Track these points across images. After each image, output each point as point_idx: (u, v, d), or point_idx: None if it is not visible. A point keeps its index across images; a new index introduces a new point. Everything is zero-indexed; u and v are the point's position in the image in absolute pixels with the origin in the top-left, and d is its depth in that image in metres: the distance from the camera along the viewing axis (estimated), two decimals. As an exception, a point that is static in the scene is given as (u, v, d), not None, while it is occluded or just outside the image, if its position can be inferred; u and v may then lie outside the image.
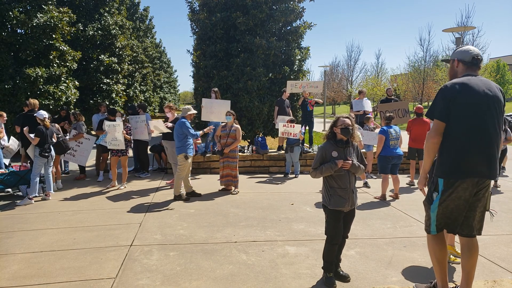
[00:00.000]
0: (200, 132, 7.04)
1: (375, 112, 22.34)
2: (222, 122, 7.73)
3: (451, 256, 4.01)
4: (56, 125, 7.57)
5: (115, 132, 7.39)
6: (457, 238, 3.83)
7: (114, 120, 7.69)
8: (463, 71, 2.98)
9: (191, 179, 7.14)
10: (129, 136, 7.65)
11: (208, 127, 7.35)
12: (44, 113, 6.78)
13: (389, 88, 11.32)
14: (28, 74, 10.89)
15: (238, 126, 7.25)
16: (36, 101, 7.76)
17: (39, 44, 11.51)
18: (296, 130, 8.51)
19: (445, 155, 2.90)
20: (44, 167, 6.74)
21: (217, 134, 7.38)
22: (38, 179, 6.62)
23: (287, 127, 8.58)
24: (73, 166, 9.56)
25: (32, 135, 6.51)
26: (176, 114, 7.79)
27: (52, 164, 6.92)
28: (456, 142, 2.84)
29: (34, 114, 6.93)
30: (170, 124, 7.30)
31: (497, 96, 2.87)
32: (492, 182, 3.01)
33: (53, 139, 6.84)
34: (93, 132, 9.45)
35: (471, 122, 2.81)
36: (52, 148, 6.80)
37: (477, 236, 2.99)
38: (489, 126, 2.81)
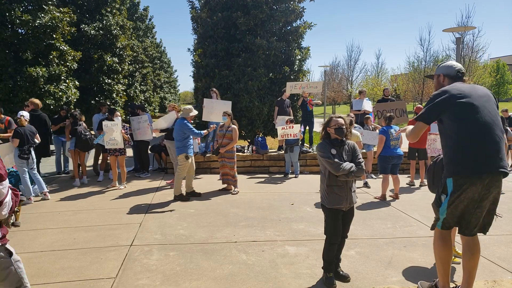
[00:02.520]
0: (204, 132, 7.10)
1: (375, 112, 22.29)
2: (221, 122, 7.77)
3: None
4: (84, 124, 7.82)
5: (113, 132, 7.40)
6: (458, 238, 3.83)
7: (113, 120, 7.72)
8: (448, 84, 3.14)
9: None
10: (127, 136, 7.67)
11: (211, 126, 7.42)
12: (21, 113, 6.70)
13: (386, 88, 11.29)
14: (28, 74, 10.89)
15: (235, 126, 7.24)
16: (38, 101, 7.80)
17: (40, 44, 11.52)
18: (296, 130, 8.50)
19: (452, 155, 2.90)
20: (27, 169, 6.57)
21: (217, 134, 7.43)
22: (27, 178, 6.50)
23: (286, 129, 8.53)
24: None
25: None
26: (178, 115, 7.84)
27: (34, 166, 6.74)
28: (461, 141, 2.87)
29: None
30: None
31: (487, 94, 3.02)
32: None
33: (35, 139, 6.71)
34: (93, 132, 9.47)
35: (471, 119, 2.86)
36: (31, 150, 6.56)
37: (478, 236, 2.99)
38: (489, 120, 2.86)
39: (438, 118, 3.02)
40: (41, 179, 6.79)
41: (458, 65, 3.17)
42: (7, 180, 2.38)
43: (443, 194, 2.98)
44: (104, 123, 7.56)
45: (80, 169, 8.08)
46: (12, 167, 7.43)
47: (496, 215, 3.02)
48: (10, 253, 2.50)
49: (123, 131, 7.52)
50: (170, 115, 7.75)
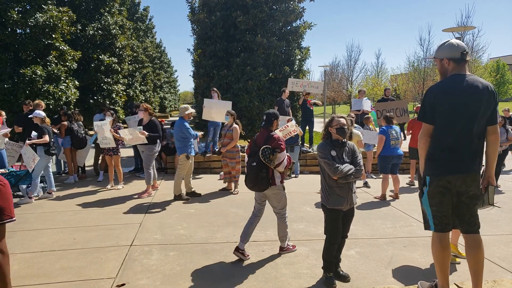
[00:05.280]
0: (199, 134, 7.10)
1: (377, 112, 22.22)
2: (224, 122, 7.76)
3: (452, 255, 3.99)
4: (80, 122, 8.00)
5: (103, 132, 7.37)
6: (460, 239, 3.84)
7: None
8: (453, 69, 2.94)
9: (191, 179, 7.13)
10: (118, 135, 7.58)
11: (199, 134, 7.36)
12: (41, 112, 6.79)
13: (387, 88, 11.28)
14: (25, 74, 10.86)
15: (237, 126, 7.22)
16: (41, 102, 7.88)
17: (39, 44, 11.49)
18: (292, 127, 8.20)
19: (431, 154, 2.98)
20: (45, 166, 6.71)
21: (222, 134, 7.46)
22: (39, 178, 6.61)
23: (283, 130, 8.32)
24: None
25: (35, 136, 6.49)
26: (149, 116, 7.27)
27: (51, 163, 6.90)
28: (437, 142, 2.94)
29: (30, 115, 6.90)
30: (146, 133, 6.78)
31: (480, 93, 2.82)
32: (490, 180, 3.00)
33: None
34: (91, 132, 9.48)
35: (449, 121, 2.87)
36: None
37: (480, 235, 2.99)
38: (466, 124, 2.85)
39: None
40: (52, 177, 6.92)
41: (461, 44, 2.91)
42: (285, 150, 3.80)
43: (424, 186, 3.07)
44: (95, 123, 7.62)
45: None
46: (12, 167, 7.44)
47: (493, 205, 3.04)
48: (284, 187, 4.06)
49: (112, 130, 7.45)
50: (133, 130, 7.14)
